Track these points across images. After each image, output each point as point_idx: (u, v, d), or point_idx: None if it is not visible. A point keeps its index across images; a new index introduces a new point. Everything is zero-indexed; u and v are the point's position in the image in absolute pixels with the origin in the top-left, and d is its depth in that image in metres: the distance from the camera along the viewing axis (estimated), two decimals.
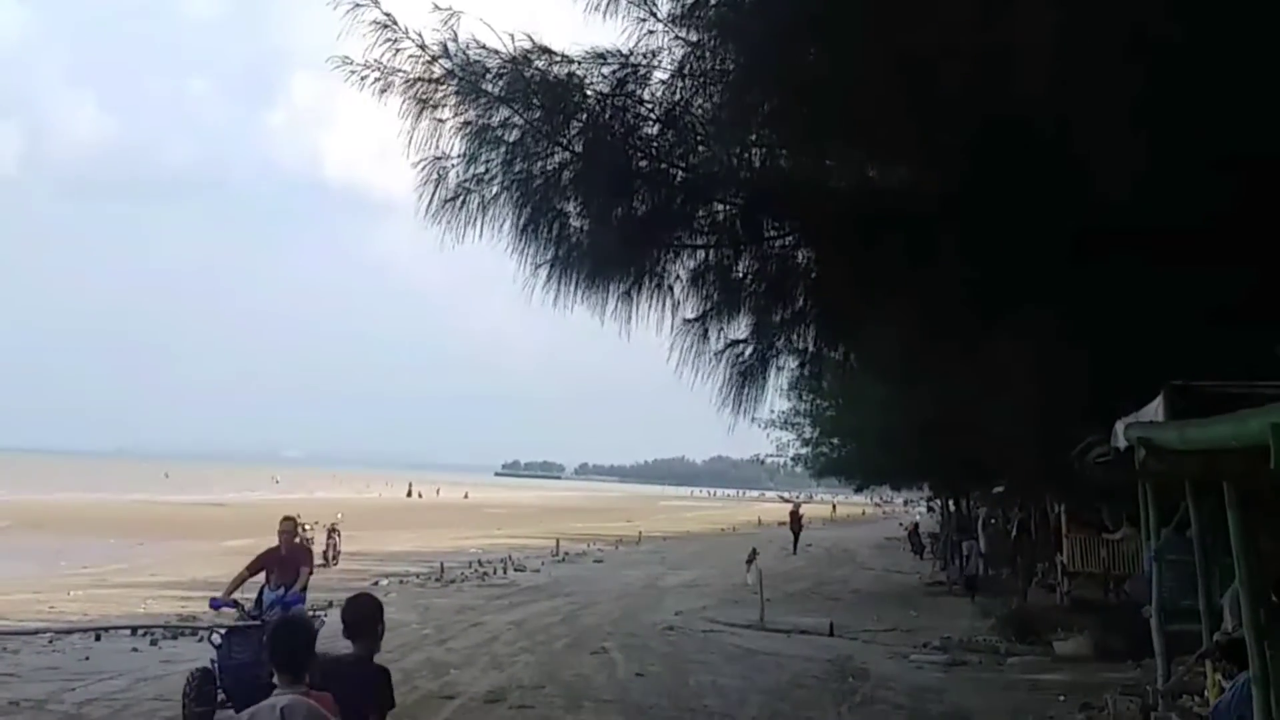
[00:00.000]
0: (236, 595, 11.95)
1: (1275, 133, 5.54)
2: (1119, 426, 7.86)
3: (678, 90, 8.36)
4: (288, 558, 12.39)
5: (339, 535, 34.40)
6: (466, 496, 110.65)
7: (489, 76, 8.41)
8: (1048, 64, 5.38)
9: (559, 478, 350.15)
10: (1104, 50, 5.36)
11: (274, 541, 12.49)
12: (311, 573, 12.55)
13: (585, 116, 8.40)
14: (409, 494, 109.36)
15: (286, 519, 12.87)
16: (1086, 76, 5.53)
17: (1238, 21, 5.19)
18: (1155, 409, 7.29)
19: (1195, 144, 5.80)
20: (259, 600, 11.93)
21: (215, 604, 11.96)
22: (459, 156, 8.61)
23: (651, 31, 8.16)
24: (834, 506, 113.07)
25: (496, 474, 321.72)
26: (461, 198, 8.64)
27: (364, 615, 5.69)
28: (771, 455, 50.65)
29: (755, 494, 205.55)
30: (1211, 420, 5.59)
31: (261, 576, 12.31)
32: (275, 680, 5.05)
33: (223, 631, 11.31)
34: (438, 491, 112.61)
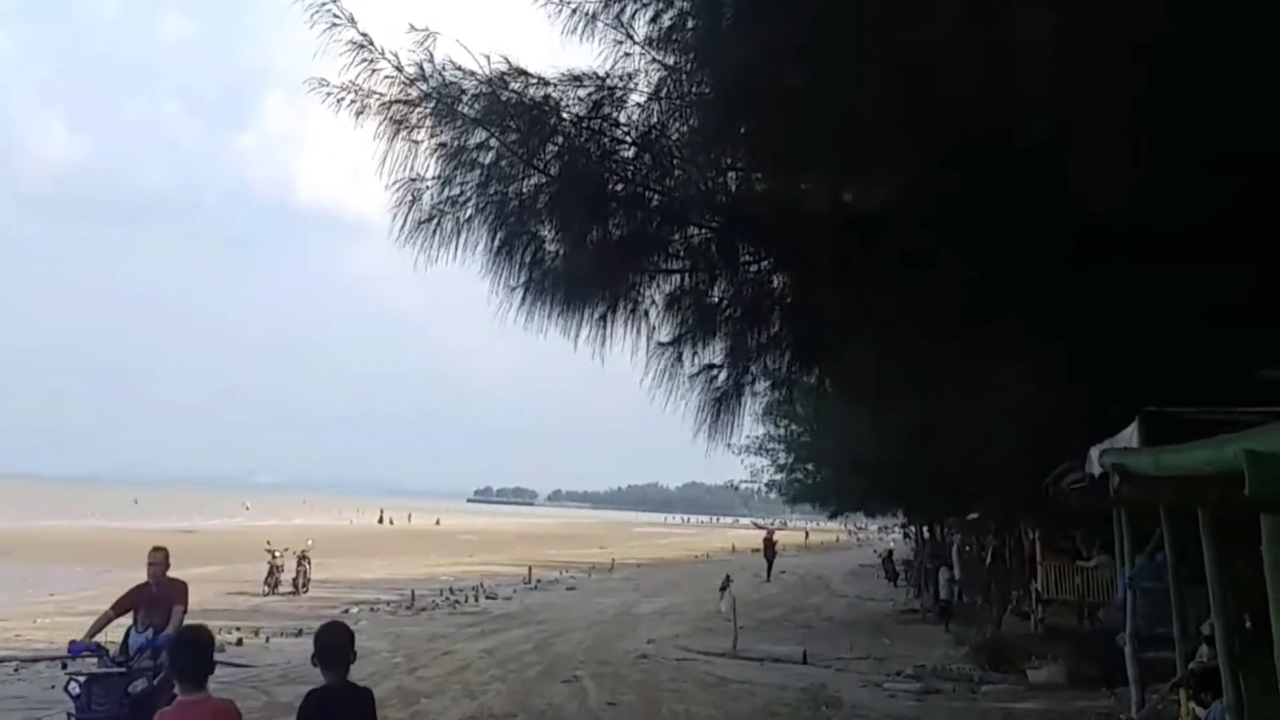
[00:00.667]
0: (100, 638, 10.51)
1: (1275, 133, 5.53)
2: (1093, 453, 7.86)
3: (654, 113, 8.32)
4: (159, 595, 10.67)
5: (309, 562, 34.10)
6: (438, 523, 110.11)
7: (465, 98, 8.35)
8: (1046, 65, 5.37)
9: (532, 504, 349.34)
10: (1104, 51, 5.34)
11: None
12: (185, 612, 10.54)
13: (561, 139, 8.34)
14: (380, 520, 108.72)
15: (157, 549, 11.09)
16: (1086, 77, 5.52)
17: (1237, 20, 5.18)
18: (1130, 435, 7.30)
19: (1194, 145, 5.78)
20: (124, 644, 10.42)
21: (75, 650, 10.42)
22: (434, 178, 8.54)
23: (628, 54, 8.15)
24: (806, 534, 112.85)
25: (469, 500, 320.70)
26: (436, 219, 8.56)
27: (337, 644, 5.69)
28: (746, 481, 50.61)
29: (729, 520, 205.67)
30: (1187, 446, 5.58)
31: (129, 618, 10.72)
32: (178, 691, 5.47)
33: (82, 680, 9.85)
34: (409, 518, 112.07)
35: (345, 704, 5.58)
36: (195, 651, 5.50)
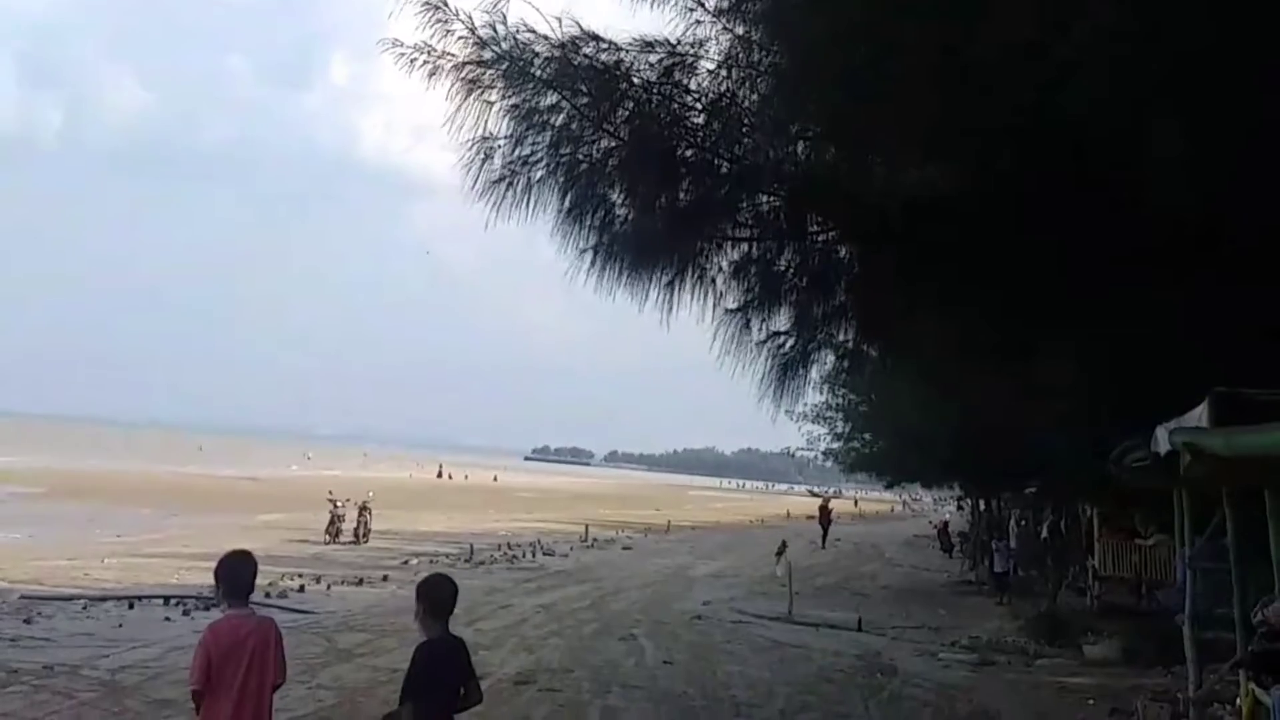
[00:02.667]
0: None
1: None
2: (1160, 431, 7.78)
3: (724, 81, 8.34)
4: None
5: (370, 513, 34.58)
6: (496, 479, 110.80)
7: (538, 61, 8.41)
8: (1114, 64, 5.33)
9: (588, 464, 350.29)
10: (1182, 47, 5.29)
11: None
12: None
13: (631, 104, 8.39)
14: (439, 475, 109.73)
15: None
16: (1160, 74, 5.47)
17: None
18: (1199, 415, 7.23)
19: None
20: None
21: None
22: (505, 138, 8.62)
23: (699, 22, 8.15)
24: (855, 501, 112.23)
25: (526, 458, 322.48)
26: (508, 179, 8.64)
27: (449, 597, 6.08)
28: (802, 449, 50.55)
29: (784, 487, 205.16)
30: (1263, 427, 5.54)
31: None
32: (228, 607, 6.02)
33: None
34: (465, 476, 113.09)
35: (453, 654, 5.94)
36: (242, 572, 6.06)
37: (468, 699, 5.98)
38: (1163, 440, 7.50)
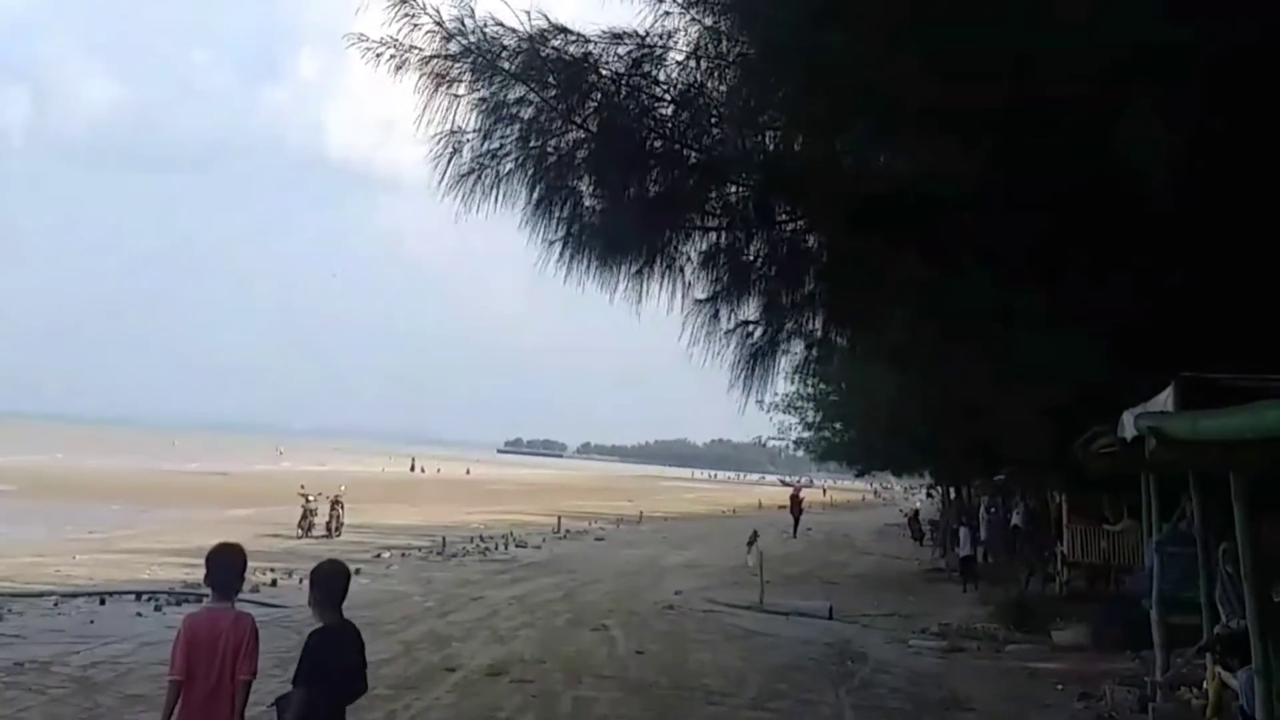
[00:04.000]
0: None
1: None
2: (1127, 417, 7.85)
3: (693, 72, 8.38)
4: None
5: (342, 508, 34.55)
6: (469, 472, 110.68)
7: (505, 54, 8.42)
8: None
9: (561, 456, 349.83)
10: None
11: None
12: None
13: (600, 96, 8.42)
14: (412, 469, 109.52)
15: None
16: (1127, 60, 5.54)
17: None
18: (1165, 400, 7.29)
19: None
20: None
21: None
22: (474, 132, 8.65)
23: (668, 13, 8.16)
24: (824, 490, 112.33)
25: (499, 450, 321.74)
26: (476, 172, 8.66)
27: (340, 581, 6.12)
28: (773, 438, 50.74)
29: (756, 477, 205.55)
30: (1226, 411, 5.60)
31: None
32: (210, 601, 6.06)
33: None
34: (439, 470, 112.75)
35: (346, 641, 5.96)
36: (225, 565, 6.07)
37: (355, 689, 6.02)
38: (1129, 425, 7.56)
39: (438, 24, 8.28)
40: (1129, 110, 5.78)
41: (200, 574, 6.37)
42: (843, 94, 7.05)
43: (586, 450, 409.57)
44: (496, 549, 32.55)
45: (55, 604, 17.51)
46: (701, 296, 9.49)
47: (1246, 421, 5.23)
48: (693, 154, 8.66)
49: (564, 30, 8.26)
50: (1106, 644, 16.42)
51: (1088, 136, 6.26)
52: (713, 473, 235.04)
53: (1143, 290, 7.84)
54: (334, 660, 5.81)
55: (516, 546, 33.82)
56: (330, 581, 6.06)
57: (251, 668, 5.86)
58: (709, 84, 8.39)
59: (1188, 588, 11.14)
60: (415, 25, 8.26)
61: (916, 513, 53.05)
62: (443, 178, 8.64)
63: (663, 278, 9.25)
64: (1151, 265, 7.49)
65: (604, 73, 8.32)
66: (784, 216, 9.17)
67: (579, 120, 8.52)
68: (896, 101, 6.86)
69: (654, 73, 8.41)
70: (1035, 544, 27.54)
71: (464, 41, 8.37)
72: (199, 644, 5.75)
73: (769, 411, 39.25)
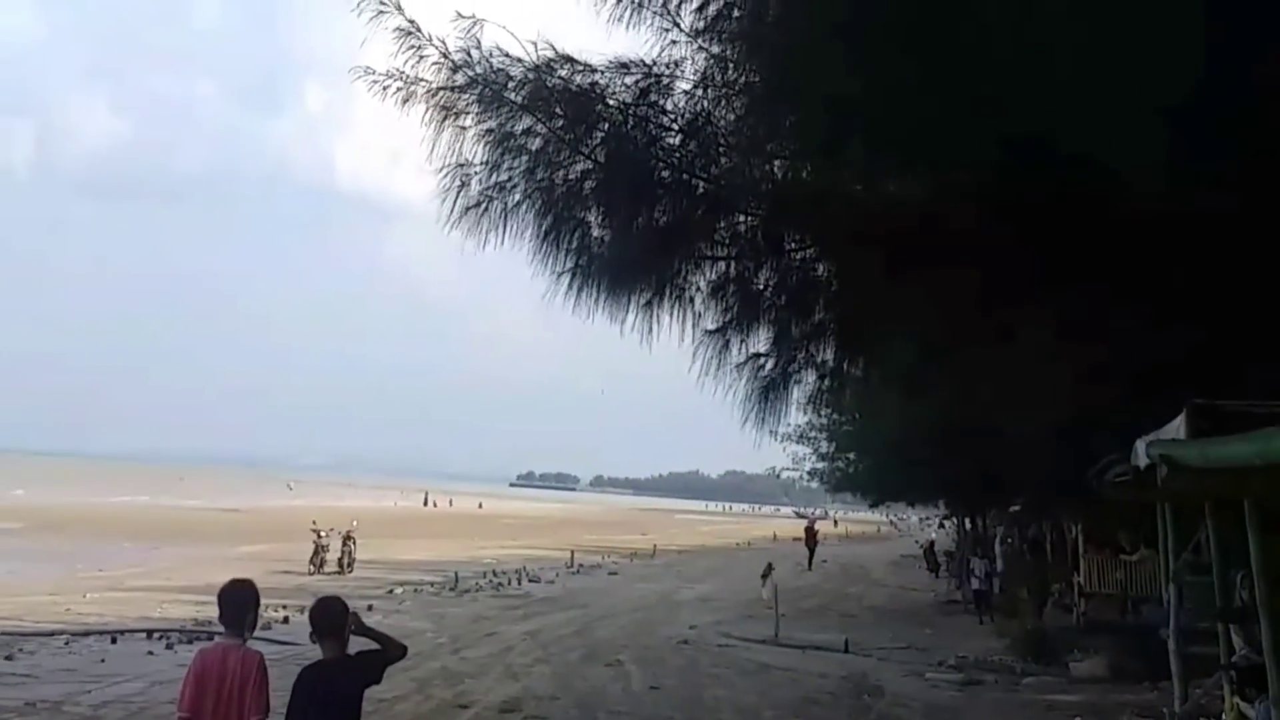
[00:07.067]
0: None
1: None
2: (1139, 445, 7.79)
3: (700, 101, 8.35)
4: None
5: (354, 543, 34.43)
6: (481, 506, 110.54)
7: (512, 85, 8.42)
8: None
9: (574, 489, 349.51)
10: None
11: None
12: None
13: (607, 126, 8.39)
14: (425, 503, 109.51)
15: None
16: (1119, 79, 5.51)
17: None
18: (1176, 427, 7.24)
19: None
20: None
21: None
22: (481, 164, 8.63)
23: (674, 42, 8.15)
24: (835, 522, 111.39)
25: (511, 484, 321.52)
26: (484, 205, 8.64)
27: (331, 616, 5.97)
28: (787, 469, 50.55)
29: (770, 508, 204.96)
30: (1236, 438, 5.55)
31: None
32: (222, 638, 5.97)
33: None
34: (450, 502, 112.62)
35: (338, 675, 5.84)
36: (235, 601, 5.98)
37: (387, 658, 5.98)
38: (1141, 453, 7.50)
39: (444, 55, 8.29)
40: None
41: (212, 611, 6.33)
42: (850, 121, 7.02)
43: (599, 483, 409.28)
44: (510, 584, 32.47)
45: (66, 643, 17.48)
46: (712, 327, 9.43)
47: (1255, 448, 5.18)
48: (701, 183, 8.63)
49: (570, 60, 8.26)
50: (1124, 675, 16.27)
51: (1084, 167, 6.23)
52: (727, 505, 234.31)
53: (1151, 314, 7.78)
54: (315, 693, 5.74)
55: (530, 581, 33.72)
56: (314, 618, 6.03)
57: (261, 707, 5.79)
58: (716, 113, 8.37)
59: (1205, 617, 11.04)
60: (421, 57, 8.27)
61: (932, 544, 52.75)
62: (451, 210, 8.63)
63: (672, 308, 9.20)
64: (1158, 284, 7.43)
65: (611, 103, 8.31)
66: (793, 245, 9.13)
67: (586, 151, 8.50)
68: (903, 128, 6.83)
69: (661, 102, 8.39)
70: (1044, 575, 27.37)
71: (470, 73, 8.38)
72: (208, 680, 5.71)
73: (782, 442, 39.03)
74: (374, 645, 6.02)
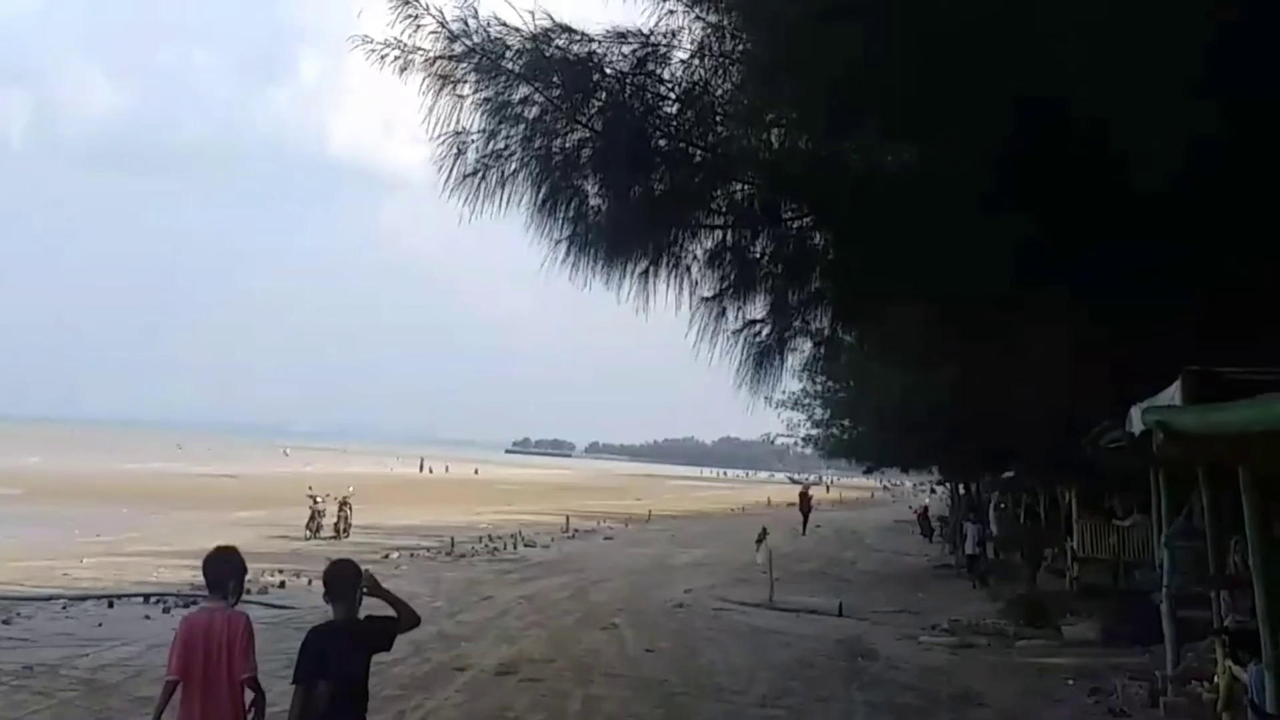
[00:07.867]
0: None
1: None
2: (1134, 411, 7.84)
3: (697, 70, 8.34)
4: None
5: (350, 509, 34.53)
6: (477, 472, 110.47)
7: (509, 54, 8.40)
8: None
9: (569, 455, 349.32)
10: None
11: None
12: None
13: (605, 95, 8.39)
14: (420, 469, 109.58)
15: None
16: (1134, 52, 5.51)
17: None
18: (1172, 394, 7.29)
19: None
20: None
21: None
22: (479, 132, 8.61)
23: (672, 11, 8.12)
24: (828, 487, 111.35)
25: (507, 450, 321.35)
26: (481, 173, 8.62)
27: (344, 578, 6.07)
28: (781, 436, 50.65)
29: (764, 475, 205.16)
30: (1233, 404, 5.60)
31: None
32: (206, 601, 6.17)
33: None
34: (446, 469, 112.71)
35: (344, 637, 5.95)
36: (219, 566, 6.16)
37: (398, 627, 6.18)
38: (1136, 420, 7.56)
39: (441, 24, 8.26)
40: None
41: None
42: (847, 90, 7.02)
43: (595, 449, 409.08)
44: (505, 549, 32.57)
45: (64, 607, 17.56)
46: (708, 294, 9.46)
47: (1253, 415, 5.24)
48: (698, 152, 8.64)
49: (568, 30, 8.24)
50: (1117, 639, 16.41)
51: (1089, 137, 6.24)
52: (721, 471, 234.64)
53: (1149, 281, 7.80)
54: (323, 655, 5.82)
55: (525, 546, 33.84)
56: (327, 578, 6.15)
57: (250, 666, 5.87)
58: (714, 82, 8.36)
59: (1197, 582, 11.15)
60: (419, 26, 8.25)
61: (926, 509, 53.05)
62: (449, 178, 8.62)
63: (669, 276, 9.21)
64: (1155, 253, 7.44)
65: (608, 72, 8.30)
66: (790, 214, 9.14)
67: (584, 120, 8.50)
68: (902, 97, 6.84)
69: (658, 71, 8.38)
70: (1037, 540, 27.56)
71: (468, 42, 8.36)
72: (194, 643, 5.84)
73: (777, 409, 39.13)
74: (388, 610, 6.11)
